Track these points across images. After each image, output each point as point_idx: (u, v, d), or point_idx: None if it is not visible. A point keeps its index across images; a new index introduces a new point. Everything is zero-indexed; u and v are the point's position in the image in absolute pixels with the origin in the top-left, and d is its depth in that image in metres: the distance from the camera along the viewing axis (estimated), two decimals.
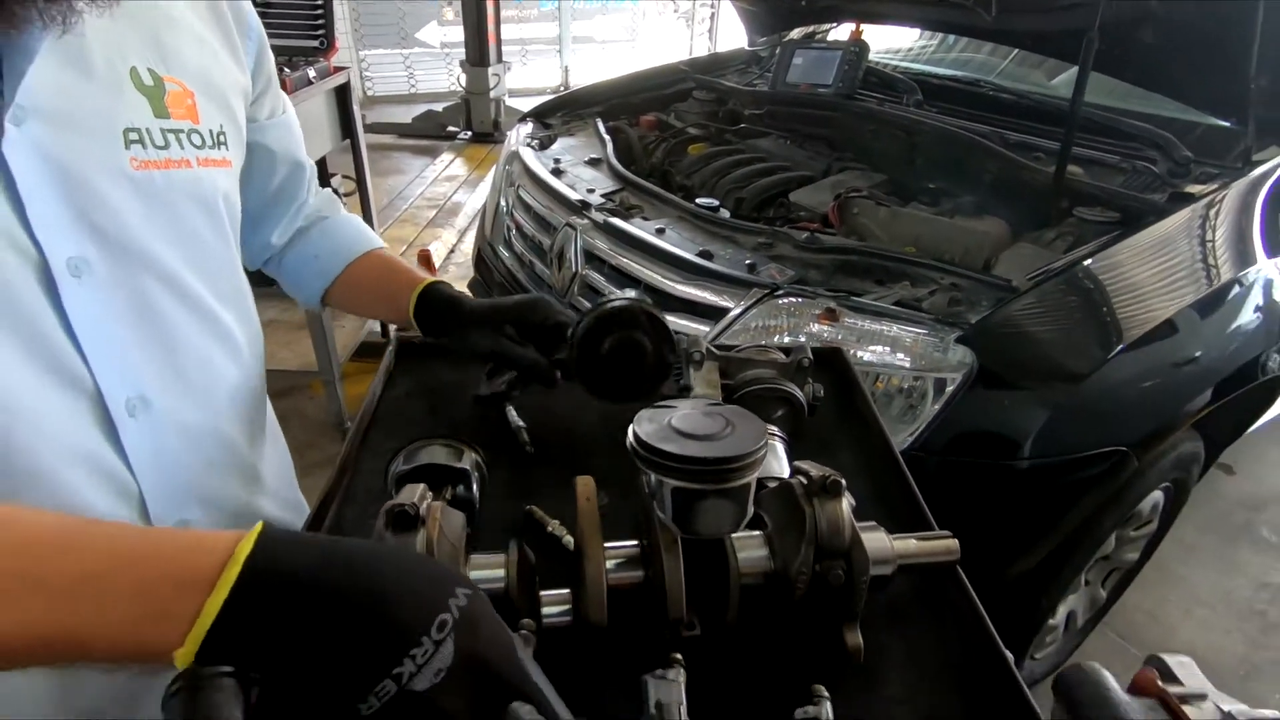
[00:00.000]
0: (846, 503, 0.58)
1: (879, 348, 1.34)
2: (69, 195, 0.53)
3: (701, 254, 1.60)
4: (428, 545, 0.52)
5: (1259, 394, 1.71)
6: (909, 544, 0.64)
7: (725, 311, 1.48)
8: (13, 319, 0.50)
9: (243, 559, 0.36)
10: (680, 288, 1.56)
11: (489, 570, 0.56)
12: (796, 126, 2.43)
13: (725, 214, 1.83)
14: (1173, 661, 0.36)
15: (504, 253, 2.20)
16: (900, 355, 1.32)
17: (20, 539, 0.37)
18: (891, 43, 2.92)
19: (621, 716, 0.49)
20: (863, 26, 2.51)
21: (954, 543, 0.65)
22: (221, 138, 0.67)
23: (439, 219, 4.69)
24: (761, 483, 0.63)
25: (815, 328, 1.38)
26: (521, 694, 0.36)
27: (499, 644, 0.38)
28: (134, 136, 0.58)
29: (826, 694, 0.49)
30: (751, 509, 0.55)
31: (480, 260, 2.36)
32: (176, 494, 0.63)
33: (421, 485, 0.56)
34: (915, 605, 0.68)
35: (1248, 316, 1.52)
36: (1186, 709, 0.33)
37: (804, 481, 0.58)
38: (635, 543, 0.60)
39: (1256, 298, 1.55)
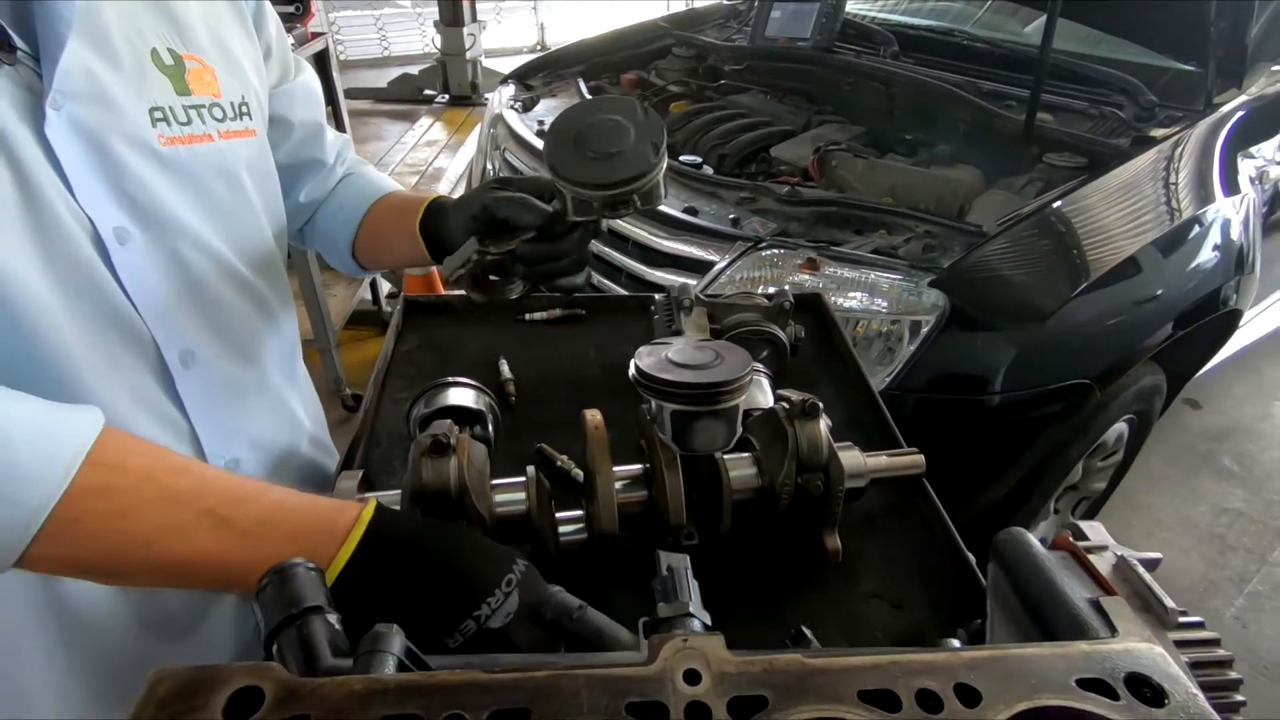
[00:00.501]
0: (824, 423, 0.66)
1: (858, 294, 1.42)
2: (105, 172, 0.57)
3: (687, 210, 1.66)
4: (458, 471, 0.59)
5: (1216, 327, 1.80)
6: (880, 460, 0.72)
7: (711, 265, 1.54)
8: (79, 279, 0.56)
9: (367, 520, 0.49)
10: (667, 243, 1.62)
11: (511, 494, 0.63)
12: (776, 81, 2.46)
13: (708, 170, 1.88)
14: (1085, 526, 0.44)
15: None
16: (878, 300, 1.39)
17: (205, 485, 0.49)
18: None
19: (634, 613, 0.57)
20: None
21: (920, 457, 0.74)
22: (244, 108, 0.70)
23: (421, 185, 4.67)
24: (749, 412, 0.71)
25: (797, 277, 1.45)
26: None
27: (549, 598, 0.51)
28: (159, 115, 0.61)
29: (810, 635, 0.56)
30: (740, 430, 0.62)
31: None
32: (227, 437, 0.70)
33: (449, 420, 0.63)
34: (888, 515, 0.77)
35: (1205, 253, 1.60)
36: (1091, 557, 0.41)
37: (786, 406, 0.66)
38: (639, 466, 0.68)
39: (1214, 235, 1.63)
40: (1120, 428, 1.85)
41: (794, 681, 0.34)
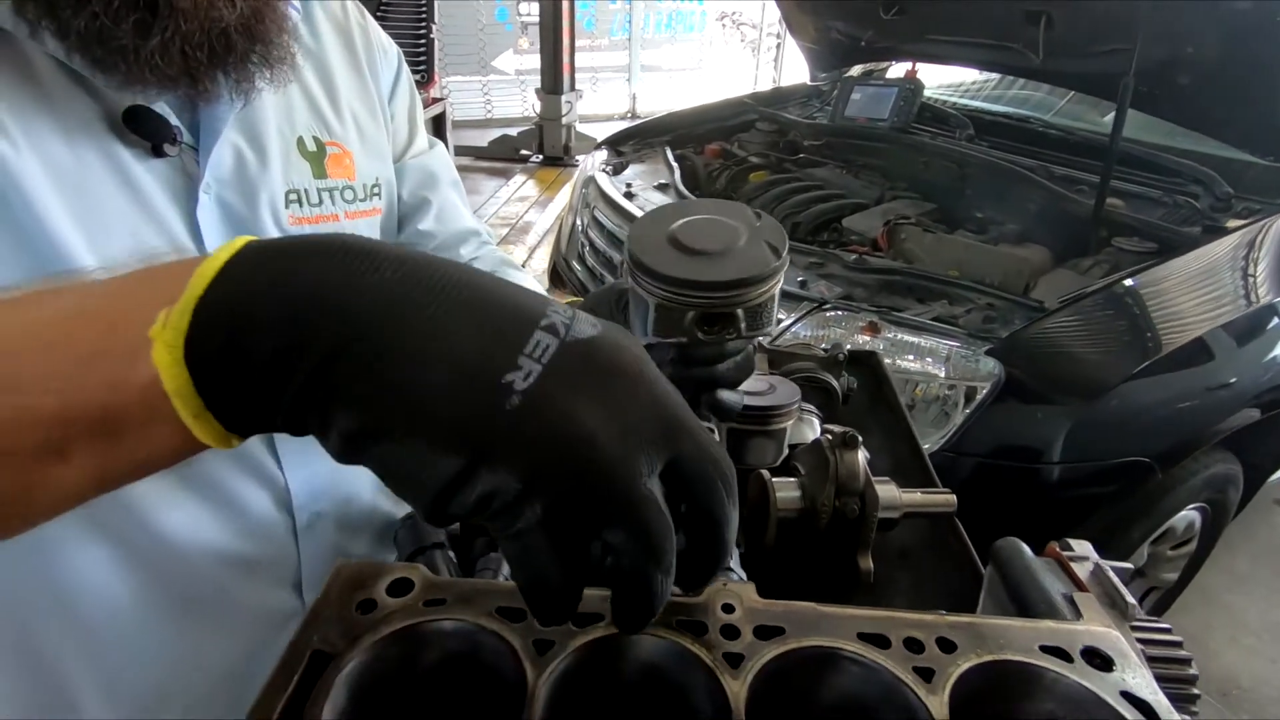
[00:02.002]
0: (862, 454, 0.75)
1: (916, 358, 1.49)
2: None
3: None
4: None
5: None
6: (914, 496, 0.80)
7: (777, 323, 1.65)
8: None
9: (242, 243, 0.28)
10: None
11: None
12: (852, 157, 2.60)
13: None
14: (1074, 543, 0.52)
15: (578, 267, 2.42)
16: (934, 364, 1.46)
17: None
18: (953, 79, 3.06)
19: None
20: (918, 66, 2.65)
21: (952, 497, 0.81)
22: (375, 189, 0.74)
23: (511, 236, 4.99)
24: (796, 446, 0.81)
25: (859, 338, 1.54)
26: None
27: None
28: (294, 197, 0.66)
29: None
30: (786, 452, 0.72)
31: (555, 273, 2.59)
32: (315, 492, 0.72)
33: None
34: (921, 549, 0.84)
35: (1274, 335, 1.60)
36: (1072, 564, 0.49)
37: (829, 437, 0.76)
38: None
39: None
40: (1190, 515, 1.81)
41: (808, 621, 0.43)
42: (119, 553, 0.63)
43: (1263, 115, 1.65)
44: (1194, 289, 1.57)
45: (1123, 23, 1.72)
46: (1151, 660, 0.45)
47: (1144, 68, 1.70)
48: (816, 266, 1.79)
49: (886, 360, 1.40)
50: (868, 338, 1.53)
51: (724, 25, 9.42)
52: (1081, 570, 0.49)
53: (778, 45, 9.40)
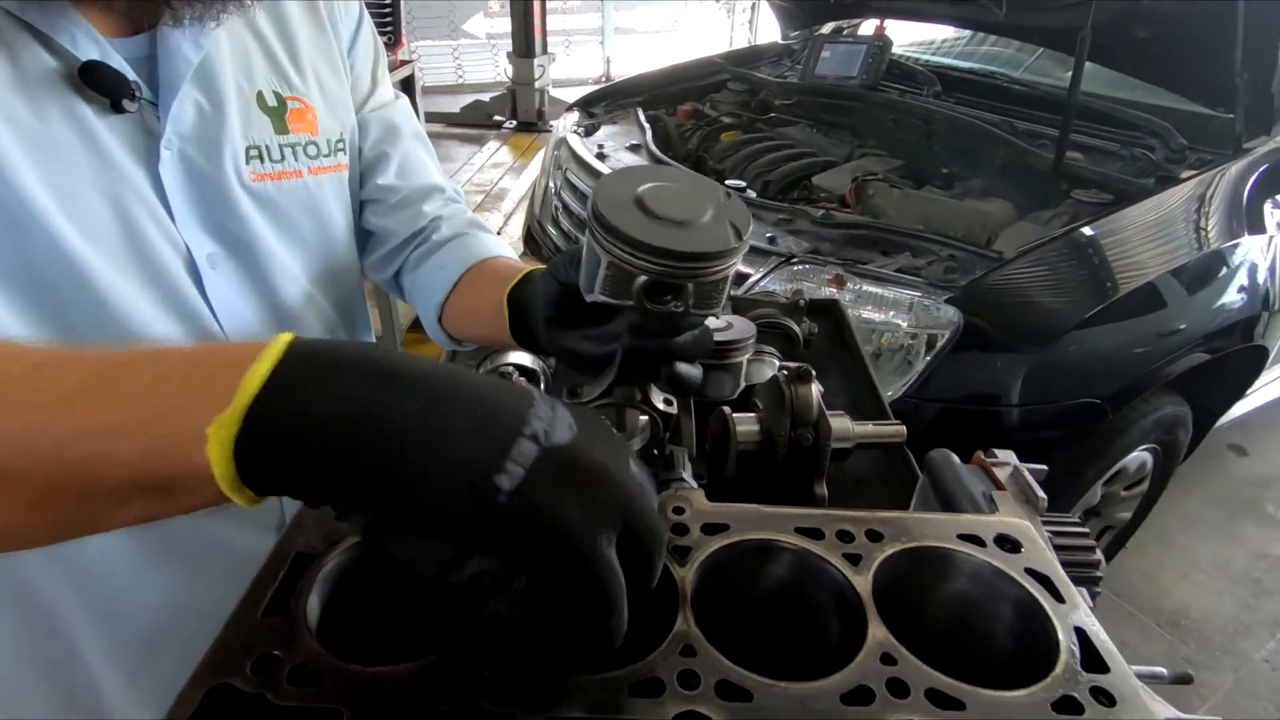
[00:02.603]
0: (816, 388, 0.79)
1: (880, 309, 1.54)
2: (204, 205, 0.63)
3: None
4: None
5: (1242, 362, 1.85)
6: (866, 427, 0.85)
7: (746, 277, 1.69)
8: (173, 297, 0.62)
9: (289, 339, 0.33)
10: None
11: None
12: (823, 116, 2.62)
13: (751, 194, 2.03)
14: (999, 452, 0.57)
15: (552, 230, 2.43)
16: (897, 314, 1.51)
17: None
18: (922, 36, 3.07)
19: None
20: (887, 22, 2.66)
21: (902, 428, 0.86)
22: (339, 145, 0.74)
23: (486, 203, 4.96)
24: (756, 386, 0.85)
25: (825, 291, 1.58)
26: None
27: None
28: (255, 153, 0.66)
29: None
30: (742, 384, 0.76)
31: (529, 237, 2.60)
32: None
33: (511, 368, 0.79)
34: (873, 479, 0.89)
35: (1226, 285, 1.67)
36: (995, 469, 0.54)
37: (785, 373, 0.80)
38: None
39: (1237, 269, 1.70)
40: (1142, 456, 1.90)
41: (750, 519, 0.48)
42: None
43: (1215, 68, 1.70)
44: (1146, 236, 1.63)
45: None
46: (1059, 549, 0.50)
47: (1103, 21, 1.74)
48: (785, 223, 1.82)
49: (852, 312, 1.45)
50: (834, 290, 1.57)
51: None
52: (1002, 474, 0.53)
53: (752, 6, 9.29)
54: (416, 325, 3.26)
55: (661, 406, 0.54)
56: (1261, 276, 1.75)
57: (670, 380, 0.54)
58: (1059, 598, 0.43)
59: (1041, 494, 0.50)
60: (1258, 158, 1.82)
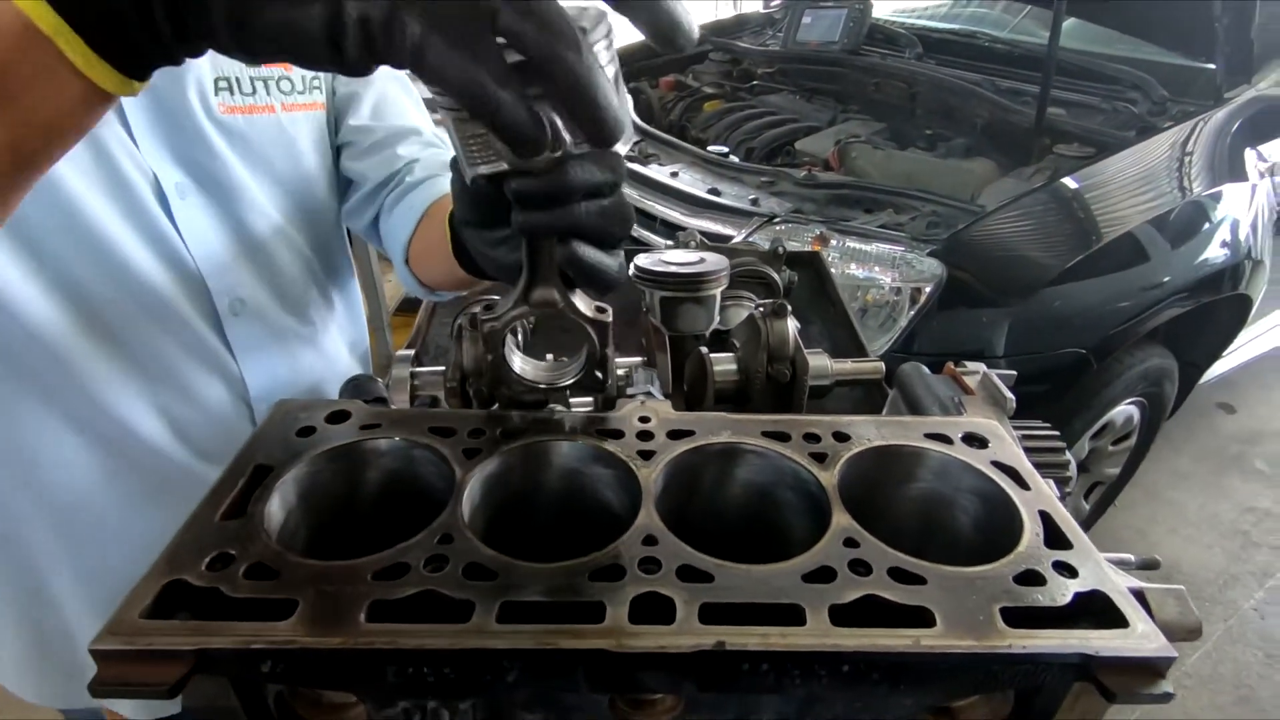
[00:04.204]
0: (792, 323, 0.79)
1: (863, 265, 1.53)
2: (169, 135, 0.63)
3: (710, 191, 1.80)
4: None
5: (1226, 313, 1.86)
6: (844, 364, 0.85)
7: (728, 239, 1.68)
8: (143, 224, 0.62)
9: None
10: (690, 220, 1.76)
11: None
12: (805, 83, 2.60)
13: (734, 159, 2.02)
14: (969, 364, 0.56)
15: None
16: (881, 270, 1.51)
17: None
18: (906, 3, 3.05)
19: None
20: None
21: (880, 364, 0.85)
22: (315, 82, 0.73)
23: None
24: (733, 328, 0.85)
25: (808, 250, 1.58)
26: None
27: None
28: (224, 84, 0.65)
29: None
30: (717, 319, 0.76)
31: None
32: (272, 380, 0.74)
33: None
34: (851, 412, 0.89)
35: (1208, 234, 1.67)
36: (965, 377, 0.54)
37: (760, 309, 0.79)
38: (639, 357, 0.82)
39: (1218, 217, 1.70)
40: (1129, 410, 1.90)
41: (716, 425, 0.47)
42: (85, 439, 0.65)
43: (1194, 16, 1.69)
44: (1126, 187, 1.63)
45: None
46: (1029, 451, 0.50)
47: None
48: (767, 185, 1.81)
49: (836, 269, 1.45)
50: (817, 249, 1.56)
51: None
52: (972, 381, 0.53)
53: None
54: (403, 307, 3.25)
55: (591, 314, 0.46)
56: (1244, 226, 1.75)
57: (576, 268, 0.43)
58: (1024, 486, 0.43)
59: (1009, 395, 0.50)
60: (1238, 106, 1.82)
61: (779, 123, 2.34)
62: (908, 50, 2.43)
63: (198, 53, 0.35)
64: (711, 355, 0.81)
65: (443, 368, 0.78)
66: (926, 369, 0.56)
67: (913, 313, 1.48)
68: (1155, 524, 2.47)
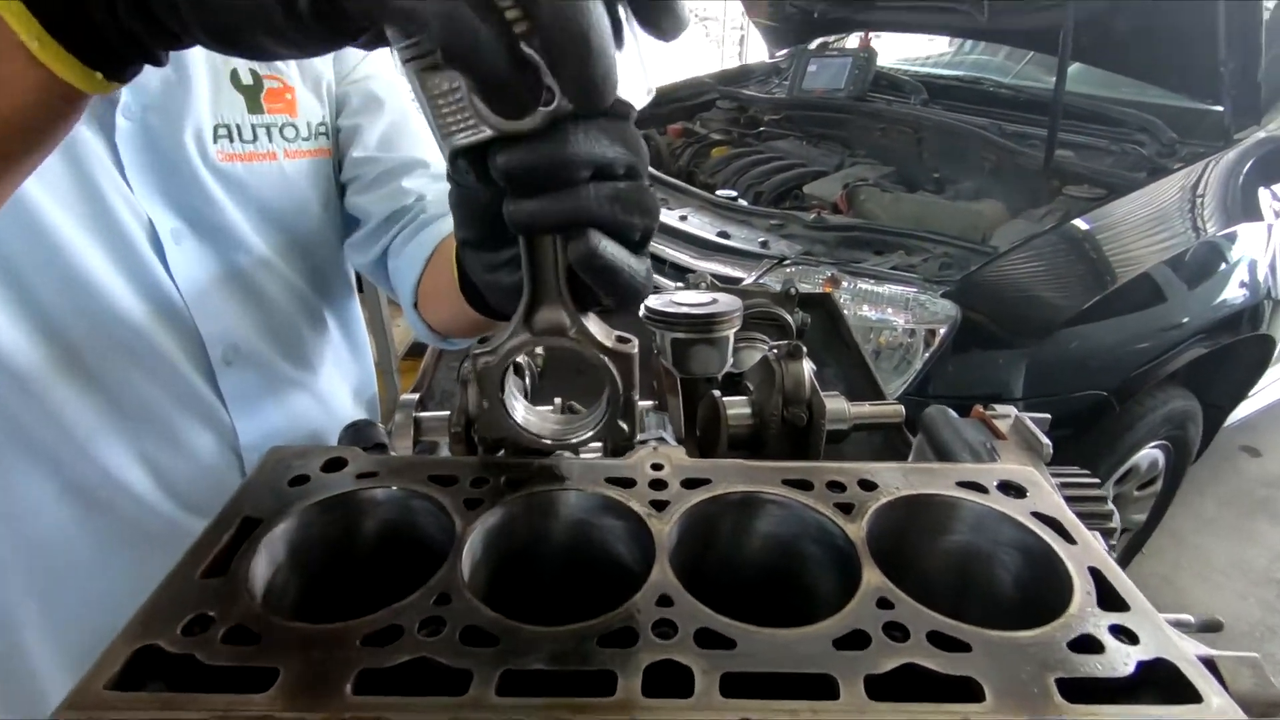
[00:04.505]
0: (807, 364, 0.76)
1: (876, 306, 1.52)
2: (164, 180, 0.62)
3: (719, 234, 1.80)
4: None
5: (1249, 354, 1.82)
6: (863, 408, 0.82)
7: (739, 281, 1.66)
8: (134, 269, 0.61)
9: None
10: (699, 263, 1.75)
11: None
12: (812, 128, 2.63)
13: (743, 203, 2.03)
14: (998, 406, 0.54)
15: None
16: (894, 311, 1.49)
17: None
18: (909, 52, 3.10)
19: None
20: (871, 35, 2.69)
21: (900, 408, 0.82)
22: (321, 128, 0.71)
23: None
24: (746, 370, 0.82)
25: (820, 293, 1.56)
26: None
27: None
28: (223, 132, 0.64)
29: None
30: (730, 360, 0.73)
31: None
32: (264, 430, 0.71)
33: None
34: (871, 459, 0.86)
35: (1226, 274, 1.65)
36: (995, 421, 0.51)
37: (775, 351, 0.77)
38: (650, 401, 0.79)
39: (1235, 257, 1.67)
40: (1153, 454, 1.85)
41: (733, 473, 0.45)
42: (62, 486, 0.62)
43: (1197, 59, 1.70)
44: (1140, 227, 1.61)
45: None
46: (1068, 500, 0.47)
47: (1084, 19, 1.75)
48: (777, 228, 1.81)
49: (847, 312, 1.43)
50: (828, 291, 1.55)
51: (692, 22, 9.44)
52: (1003, 426, 0.50)
53: (741, 39, 9.46)
54: (413, 351, 3.25)
55: (611, 344, 0.37)
56: (1263, 266, 1.73)
57: (589, 266, 0.33)
58: (1070, 540, 0.39)
59: (1045, 440, 0.47)
60: (1249, 146, 1.81)
61: (786, 167, 2.36)
62: (913, 96, 2.46)
63: (162, 42, 0.33)
64: (725, 399, 0.78)
65: (448, 412, 0.76)
66: (953, 412, 0.53)
67: (927, 355, 1.45)
68: (1181, 570, 2.39)
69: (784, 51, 3.26)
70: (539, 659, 0.31)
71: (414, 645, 0.32)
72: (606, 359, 0.37)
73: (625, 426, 0.39)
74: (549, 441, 0.40)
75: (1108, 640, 0.33)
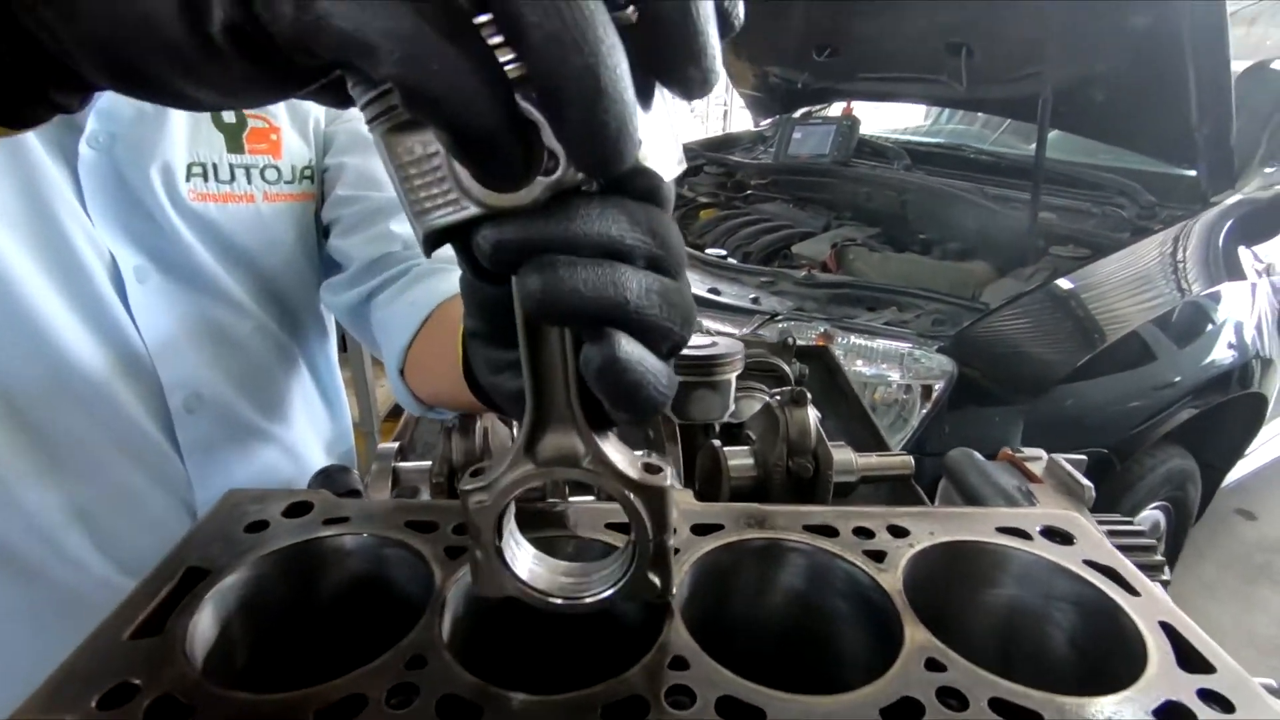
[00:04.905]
0: (813, 413, 0.72)
1: (870, 362, 1.49)
2: (128, 215, 0.58)
3: (710, 290, 1.79)
4: (483, 440, 0.67)
5: (1242, 412, 1.80)
6: (870, 459, 0.78)
7: (732, 336, 1.64)
8: (89, 306, 0.56)
9: None
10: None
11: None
12: (798, 192, 2.67)
13: (732, 261, 2.03)
14: (1026, 449, 0.50)
15: None
16: (888, 366, 1.46)
17: None
18: (890, 124, 3.21)
19: None
20: (853, 104, 2.78)
21: (909, 459, 0.78)
22: (306, 172, 0.68)
23: None
24: (747, 419, 0.78)
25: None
26: None
27: None
28: (198, 170, 0.60)
29: None
30: (732, 406, 0.69)
31: None
32: (226, 487, 0.66)
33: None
34: None
35: (1213, 331, 1.65)
36: (1026, 463, 0.47)
37: (778, 397, 0.73)
38: (646, 450, 0.75)
39: (1222, 316, 1.68)
40: (1154, 515, 1.81)
41: (749, 518, 0.40)
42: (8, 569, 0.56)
43: (1172, 124, 1.75)
44: (1125, 285, 1.62)
45: (1035, 45, 1.83)
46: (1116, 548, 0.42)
47: (1061, 87, 1.80)
48: (768, 285, 1.80)
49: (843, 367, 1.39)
50: (821, 347, 1.53)
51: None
52: (1035, 466, 0.46)
53: (724, 113, 9.82)
54: (396, 411, 3.17)
55: (638, 475, 0.29)
56: (1249, 326, 1.74)
57: (604, 374, 0.25)
58: (1132, 592, 0.35)
59: (1086, 483, 0.43)
60: (1228, 207, 1.85)
61: (774, 228, 2.38)
62: (896, 162, 2.52)
63: (64, 86, 0.27)
64: (726, 449, 0.74)
65: (429, 463, 0.70)
66: (979, 455, 0.49)
67: (924, 410, 1.42)
68: None
69: (768, 121, 3.35)
70: None
71: (380, 719, 0.26)
72: (632, 495, 0.29)
73: (656, 580, 0.30)
74: (559, 601, 0.31)
75: (1200, 708, 0.28)
